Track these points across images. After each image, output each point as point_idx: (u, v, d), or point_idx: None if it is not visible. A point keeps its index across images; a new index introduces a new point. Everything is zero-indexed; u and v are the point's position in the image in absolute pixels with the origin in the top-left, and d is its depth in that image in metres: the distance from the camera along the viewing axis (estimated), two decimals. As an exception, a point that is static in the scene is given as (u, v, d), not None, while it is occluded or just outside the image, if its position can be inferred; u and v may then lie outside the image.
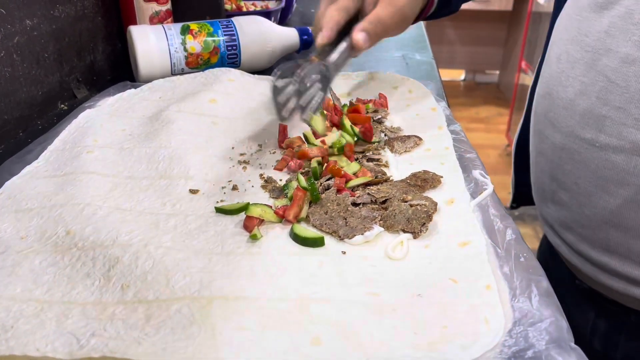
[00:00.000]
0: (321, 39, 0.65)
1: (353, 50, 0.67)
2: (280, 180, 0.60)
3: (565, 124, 0.59)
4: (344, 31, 0.67)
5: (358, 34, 0.65)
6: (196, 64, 0.91)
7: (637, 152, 0.52)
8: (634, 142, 0.52)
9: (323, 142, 0.65)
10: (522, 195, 0.85)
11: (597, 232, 0.59)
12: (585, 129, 0.56)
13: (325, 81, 0.65)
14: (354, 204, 0.54)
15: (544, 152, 0.65)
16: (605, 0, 0.55)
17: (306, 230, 0.50)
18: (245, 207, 0.53)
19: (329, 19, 0.65)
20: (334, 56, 0.65)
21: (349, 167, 0.61)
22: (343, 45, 0.66)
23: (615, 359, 0.63)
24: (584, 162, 0.57)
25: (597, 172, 0.56)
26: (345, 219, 0.52)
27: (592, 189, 0.57)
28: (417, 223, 0.51)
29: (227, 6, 1.18)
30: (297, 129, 0.71)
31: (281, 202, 0.55)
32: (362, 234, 0.50)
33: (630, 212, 0.55)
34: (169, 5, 1.00)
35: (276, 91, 0.62)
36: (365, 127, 0.66)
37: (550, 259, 0.72)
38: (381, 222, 0.52)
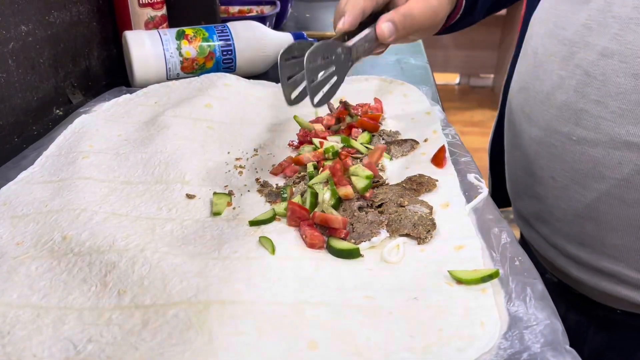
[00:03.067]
0: (342, 24, 0.57)
1: (377, 42, 0.60)
2: (277, 184, 0.61)
3: (542, 118, 0.59)
4: (368, 23, 0.60)
5: (384, 24, 0.58)
6: (191, 69, 0.92)
7: (614, 145, 0.53)
8: (611, 135, 0.52)
9: (321, 144, 0.65)
10: (496, 192, 0.85)
11: (572, 225, 0.59)
12: (562, 123, 0.56)
13: (342, 66, 0.57)
14: (360, 209, 0.55)
15: (519, 147, 0.65)
16: None
17: (341, 242, 0.50)
18: (273, 215, 0.54)
19: (354, 4, 0.57)
20: (355, 40, 0.58)
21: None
22: (366, 32, 0.59)
23: (582, 352, 0.63)
24: (560, 156, 0.57)
25: (573, 165, 0.56)
26: (352, 225, 0.52)
27: (568, 183, 0.57)
28: (423, 229, 0.51)
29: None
30: (293, 128, 0.72)
31: (277, 206, 0.55)
32: (370, 240, 0.50)
33: (605, 206, 0.55)
34: (164, 11, 1.00)
35: (283, 70, 0.56)
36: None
37: None
38: (386, 226, 0.52)
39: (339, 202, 0.55)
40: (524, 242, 0.73)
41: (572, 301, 0.66)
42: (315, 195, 0.55)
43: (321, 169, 0.61)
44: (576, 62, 0.54)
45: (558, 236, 0.62)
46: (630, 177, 0.53)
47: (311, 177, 0.59)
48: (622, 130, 0.52)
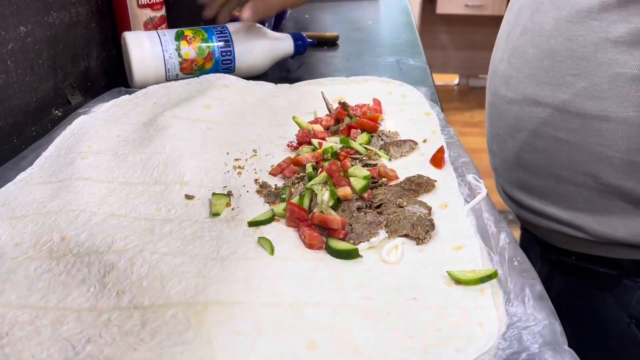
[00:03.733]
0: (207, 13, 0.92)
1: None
2: (275, 185, 0.61)
3: (493, 85, 0.73)
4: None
5: (245, 12, 0.89)
6: (190, 69, 0.92)
7: (527, 103, 0.65)
8: (525, 95, 0.66)
9: (320, 144, 0.65)
10: None
11: (510, 173, 0.72)
12: (501, 87, 0.70)
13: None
14: (359, 209, 0.55)
15: (488, 112, 0.79)
16: None
17: (339, 242, 0.50)
18: (272, 216, 0.54)
19: None
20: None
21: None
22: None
23: (550, 297, 0.70)
24: (500, 114, 0.71)
25: (506, 121, 0.70)
26: (351, 225, 0.52)
27: (505, 137, 0.71)
28: (421, 229, 0.51)
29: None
30: (292, 129, 0.72)
31: (276, 207, 0.55)
32: (369, 240, 0.50)
33: (526, 154, 0.68)
34: (163, 11, 1.01)
35: None
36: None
37: None
38: (385, 227, 0.52)
39: (337, 203, 0.55)
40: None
41: (537, 251, 0.77)
42: (314, 195, 0.55)
43: (320, 169, 0.61)
44: (510, 39, 0.69)
45: (507, 184, 0.75)
46: (538, 128, 0.65)
47: (310, 178, 0.59)
48: (529, 90, 0.65)
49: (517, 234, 0.91)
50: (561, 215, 0.67)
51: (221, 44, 0.92)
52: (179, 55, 0.90)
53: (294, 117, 0.72)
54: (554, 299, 0.72)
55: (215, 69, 0.93)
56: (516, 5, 0.70)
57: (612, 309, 0.69)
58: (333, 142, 0.67)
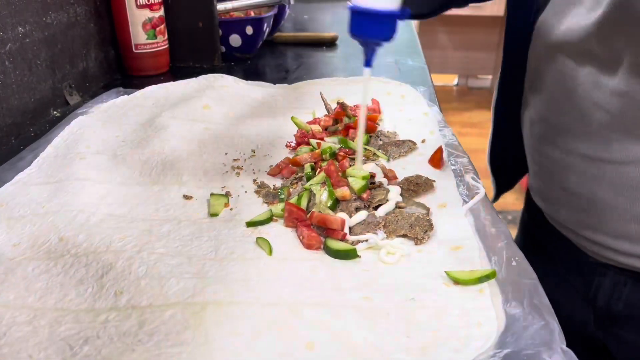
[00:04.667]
0: None
1: None
2: (274, 185, 0.61)
3: (571, 145, 0.64)
4: None
5: None
6: None
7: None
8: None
9: (319, 145, 0.65)
10: (501, 187, 0.91)
11: (618, 227, 0.64)
12: (593, 149, 0.62)
13: None
14: (357, 210, 0.55)
15: (546, 166, 0.71)
16: (588, 36, 0.58)
17: (338, 242, 0.50)
18: (270, 216, 0.54)
19: None
20: None
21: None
22: None
23: (617, 309, 0.68)
24: (597, 176, 0.63)
25: (612, 182, 0.62)
26: (350, 226, 0.52)
27: (609, 196, 0.62)
28: (420, 230, 0.51)
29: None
30: (291, 129, 0.72)
31: (275, 207, 0.55)
32: (367, 241, 0.50)
33: None
34: (161, 12, 1.00)
35: None
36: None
37: (547, 241, 0.77)
38: (383, 227, 0.52)
39: (336, 203, 0.55)
40: (556, 234, 0.75)
41: (610, 270, 0.69)
42: (312, 196, 0.55)
43: (318, 170, 0.61)
44: (594, 101, 0.59)
45: (602, 235, 0.66)
46: None
47: (308, 178, 0.59)
48: None
49: (515, 234, 0.91)
50: None
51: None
52: None
53: (292, 118, 0.72)
54: (625, 309, 0.68)
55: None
56: (579, 71, 0.61)
57: None
58: (331, 143, 0.67)
